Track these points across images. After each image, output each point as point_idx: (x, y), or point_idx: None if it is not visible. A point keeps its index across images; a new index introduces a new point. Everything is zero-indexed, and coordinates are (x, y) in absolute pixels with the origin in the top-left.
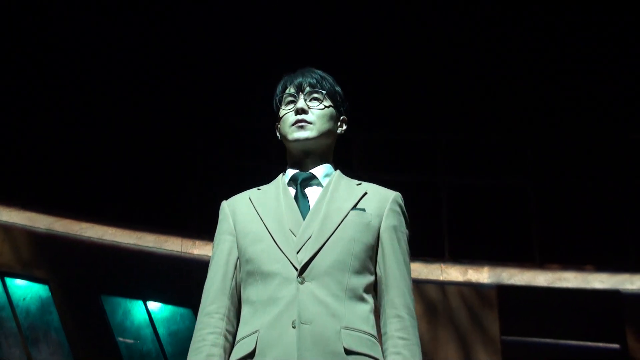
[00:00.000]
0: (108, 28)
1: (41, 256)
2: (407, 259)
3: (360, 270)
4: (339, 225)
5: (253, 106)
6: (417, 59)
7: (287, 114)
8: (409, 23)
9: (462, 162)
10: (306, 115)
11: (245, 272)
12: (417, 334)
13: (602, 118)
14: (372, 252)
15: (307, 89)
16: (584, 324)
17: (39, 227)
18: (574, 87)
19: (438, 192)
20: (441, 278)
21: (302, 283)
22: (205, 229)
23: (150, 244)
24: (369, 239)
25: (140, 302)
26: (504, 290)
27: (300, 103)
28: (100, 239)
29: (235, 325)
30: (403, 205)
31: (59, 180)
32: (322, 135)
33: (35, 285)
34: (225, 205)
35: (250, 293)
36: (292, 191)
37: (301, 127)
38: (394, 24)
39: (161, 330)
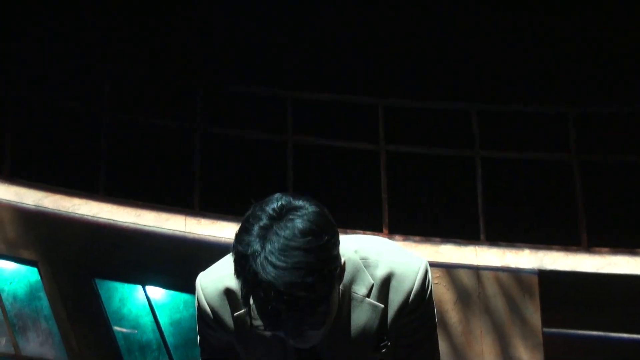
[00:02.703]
0: None
1: (29, 235)
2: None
3: None
4: None
5: (259, 72)
6: (451, 21)
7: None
8: None
9: (499, 134)
10: (303, 344)
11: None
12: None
13: None
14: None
15: (293, 326)
16: (638, 315)
17: (26, 203)
18: (623, 54)
19: (473, 167)
20: (476, 262)
21: None
22: (212, 206)
23: (151, 223)
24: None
25: (139, 287)
26: (546, 277)
27: (291, 336)
28: (95, 216)
29: None
30: (427, 287)
31: (49, 151)
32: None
33: (22, 267)
34: (209, 312)
35: None
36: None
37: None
38: None
39: (162, 319)
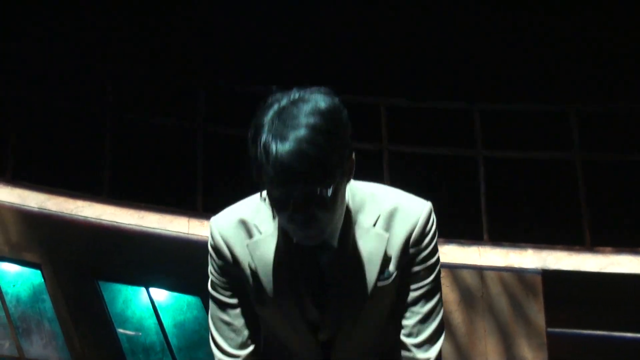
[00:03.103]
0: None
1: (32, 238)
2: (432, 301)
3: (391, 330)
4: (363, 310)
5: (263, 71)
6: (453, 19)
7: (279, 204)
8: None
9: (502, 133)
10: (310, 230)
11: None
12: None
13: None
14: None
15: (300, 186)
16: None
17: (29, 206)
18: (628, 51)
19: (475, 167)
20: (479, 262)
21: None
22: (215, 208)
23: (154, 225)
24: (395, 294)
25: (143, 289)
26: (550, 276)
27: (299, 219)
28: (98, 218)
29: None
30: (431, 225)
31: (52, 154)
32: (335, 224)
33: (26, 270)
34: (222, 242)
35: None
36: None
37: (306, 233)
38: None
39: (166, 321)
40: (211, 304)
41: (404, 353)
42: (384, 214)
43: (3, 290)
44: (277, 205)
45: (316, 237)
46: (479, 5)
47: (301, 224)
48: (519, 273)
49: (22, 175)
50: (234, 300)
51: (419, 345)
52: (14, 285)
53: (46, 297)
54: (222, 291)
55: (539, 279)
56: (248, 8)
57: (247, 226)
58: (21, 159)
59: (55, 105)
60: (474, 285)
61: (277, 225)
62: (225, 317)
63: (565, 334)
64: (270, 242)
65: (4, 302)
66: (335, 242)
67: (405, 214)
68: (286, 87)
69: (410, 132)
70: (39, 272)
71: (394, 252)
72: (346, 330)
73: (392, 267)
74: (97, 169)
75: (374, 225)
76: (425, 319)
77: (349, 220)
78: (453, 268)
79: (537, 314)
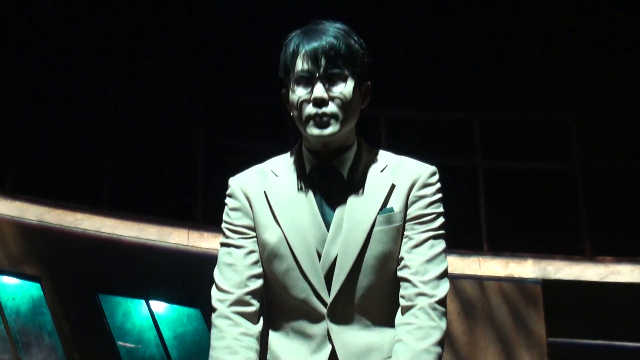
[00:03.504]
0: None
1: (32, 251)
2: (437, 247)
3: (395, 288)
4: (365, 239)
5: (263, 82)
6: (451, 29)
7: (302, 99)
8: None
9: (501, 143)
10: (327, 108)
11: (268, 281)
12: (432, 316)
13: None
14: None
15: (324, 63)
16: None
17: (29, 219)
18: (626, 60)
19: (475, 177)
20: (479, 273)
21: (333, 321)
22: (214, 220)
23: (153, 237)
24: (400, 244)
25: (143, 302)
26: (550, 286)
27: (319, 91)
28: (98, 231)
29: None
30: (435, 181)
31: (52, 166)
32: (348, 124)
33: (25, 283)
34: (239, 190)
35: (275, 304)
36: (312, 183)
37: (322, 123)
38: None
39: (166, 333)
40: (220, 254)
41: (408, 290)
42: (392, 164)
43: (2, 303)
44: (304, 81)
45: (330, 126)
46: (474, 14)
47: (320, 103)
48: (519, 283)
49: (21, 188)
50: (240, 242)
51: (426, 282)
52: (13, 299)
53: (46, 310)
54: (231, 235)
55: (539, 288)
56: (254, 18)
57: (263, 172)
58: (21, 172)
59: (54, 118)
60: (475, 296)
61: (292, 169)
62: (229, 260)
63: (565, 344)
64: (286, 182)
65: (3, 316)
66: (345, 174)
67: (411, 166)
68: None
69: (408, 143)
70: (38, 285)
71: (398, 194)
72: (349, 284)
73: (394, 205)
74: (96, 182)
75: (382, 171)
76: (431, 260)
77: (359, 161)
78: (453, 278)
79: (538, 323)
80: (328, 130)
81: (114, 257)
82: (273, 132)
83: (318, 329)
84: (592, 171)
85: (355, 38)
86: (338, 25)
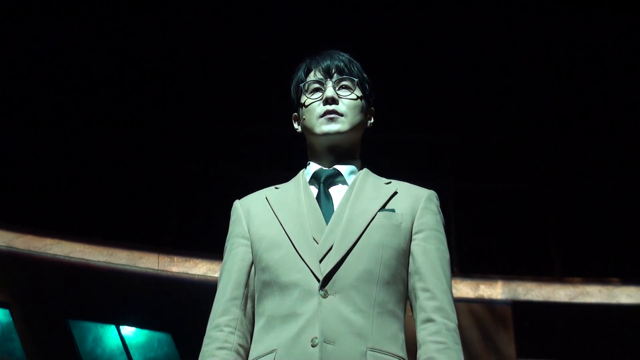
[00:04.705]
0: (82, 30)
1: (1, 277)
2: (445, 261)
3: (391, 281)
4: (364, 229)
5: (235, 108)
6: (422, 52)
7: (314, 103)
8: (416, 18)
9: (471, 165)
10: (337, 106)
11: (260, 281)
12: (456, 339)
13: (629, 116)
14: (404, 258)
15: (336, 75)
16: (610, 343)
17: None
18: (595, 84)
19: (445, 199)
20: None
21: (324, 297)
22: (185, 244)
23: (123, 262)
24: (400, 243)
25: (113, 327)
26: (520, 307)
27: (330, 91)
28: (67, 256)
29: (248, 340)
30: (439, 204)
31: (20, 192)
32: (354, 128)
33: None
34: (239, 205)
35: (266, 305)
36: (314, 190)
37: (331, 119)
38: (400, 18)
39: (136, 358)
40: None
41: (428, 302)
42: (396, 182)
43: None
44: (316, 90)
45: (338, 123)
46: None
47: (331, 101)
48: (489, 304)
49: None
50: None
51: (445, 300)
52: None
53: (15, 336)
54: (233, 239)
55: (509, 310)
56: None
57: (266, 191)
58: None
59: (20, 142)
60: None
61: (294, 182)
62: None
63: None
64: (288, 190)
65: None
66: (348, 179)
67: (413, 186)
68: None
69: (379, 164)
70: (7, 311)
71: (401, 200)
72: (345, 266)
73: (396, 208)
74: (65, 207)
75: (386, 184)
76: (447, 278)
77: (365, 176)
78: None
79: (508, 344)
80: (337, 126)
81: (83, 282)
82: (247, 157)
83: (308, 306)
84: (561, 192)
85: (362, 69)
86: (349, 55)
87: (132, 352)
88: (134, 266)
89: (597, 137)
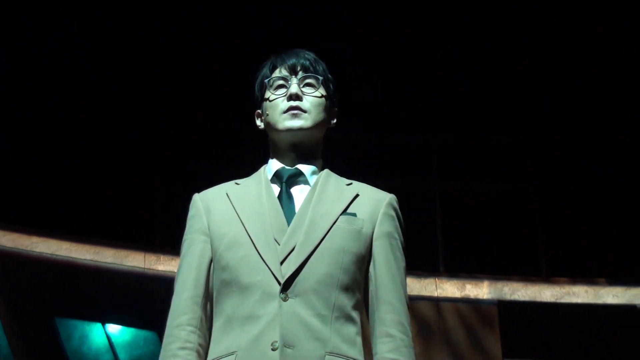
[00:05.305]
0: (82, 30)
1: None
2: (402, 270)
3: (350, 286)
4: (326, 233)
5: (223, 105)
6: (410, 52)
7: (277, 99)
8: (403, 18)
9: (457, 164)
10: (301, 102)
11: (220, 280)
12: (412, 354)
13: (617, 116)
14: (363, 263)
15: (301, 73)
16: (597, 343)
17: None
18: (581, 82)
19: (431, 198)
20: (436, 294)
21: (285, 300)
22: (171, 243)
23: (109, 260)
24: (360, 248)
25: (99, 325)
26: (506, 307)
27: (294, 88)
28: (54, 254)
29: (207, 340)
30: (398, 209)
31: (6, 189)
32: (317, 126)
33: None
34: (198, 199)
35: (224, 305)
36: (275, 189)
37: (295, 115)
38: (388, 18)
39: (122, 356)
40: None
41: (386, 315)
42: (357, 184)
43: None
44: (280, 86)
45: (302, 119)
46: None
47: (295, 97)
48: (475, 304)
49: None
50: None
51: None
52: None
53: (1, 334)
54: (192, 235)
55: (495, 309)
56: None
57: (226, 186)
58: None
59: (8, 141)
60: (431, 317)
61: (255, 178)
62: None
63: None
64: (249, 187)
65: None
66: (310, 179)
67: (374, 190)
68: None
69: (366, 164)
70: None
71: (362, 204)
72: (306, 270)
73: (357, 212)
74: (52, 205)
75: (347, 185)
76: (403, 287)
77: (327, 176)
78: (410, 300)
79: (494, 344)
80: (300, 122)
81: (70, 281)
82: (230, 155)
83: (269, 308)
84: (548, 192)
85: (327, 69)
86: (314, 55)
87: (117, 350)
88: (120, 264)
89: (584, 137)
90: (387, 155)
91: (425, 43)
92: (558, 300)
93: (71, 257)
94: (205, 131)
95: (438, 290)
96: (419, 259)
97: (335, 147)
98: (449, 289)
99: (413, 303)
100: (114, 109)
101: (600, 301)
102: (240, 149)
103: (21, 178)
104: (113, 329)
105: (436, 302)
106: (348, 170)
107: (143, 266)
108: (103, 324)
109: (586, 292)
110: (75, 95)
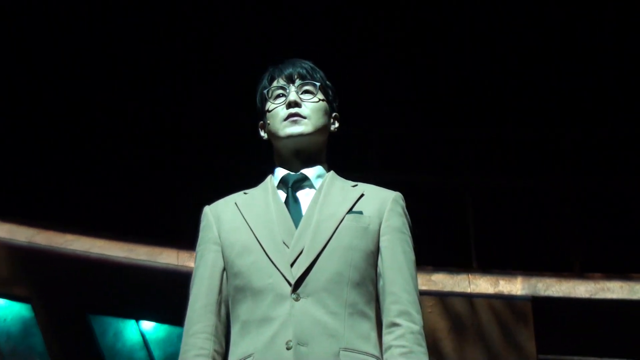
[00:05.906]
0: (82, 30)
1: (22, 272)
2: (411, 262)
3: (360, 282)
4: (333, 232)
5: (252, 105)
6: (428, 48)
7: (277, 108)
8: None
9: (488, 160)
10: (300, 109)
11: (233, 287)
12: (420, 341)
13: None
14: (373, 259)
15: (298, 81)
16: (632, 340)
17: (19, 240)
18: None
19: (462, 195)
20: (469, 290)
21: (297, 300)
22: None
23: (143, 257)
24: (368, 244)
25: (133, 322)
26: (540, 303)
27: (293, 95)
28: (87, 252)
29: (223, 345)
30: (405, 206)
31: (41, 188)
32: (317, 131)
33: (16, 304)
34: (208, 211)
35: (240, 310)
36: (282, 195)
37: (294, 121)
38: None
39: (156, 353)
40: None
41: (394, 305)
42: (362, 185)
43: None
44: (279, 96)
45: (302, 125)
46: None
47: (294, 104)
48: (508, 300)
49: (11, 210)
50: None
51: (412, 303)
52: (4, 320)
53: (36, 331)
54: (204, 245)
55: (529, 305)
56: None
57: (235, 196)
58: (10, 195)
59: (40, 139)
60: (464, 313)
61: (262, 187)
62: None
63: None
64: (257, 195)
65: None
66: (315, 182)
67: (379, 189)
68: None
69: (397, 161)
70: (29, 306)
71: (367, 202)
72: (316, 269)
73: (363, 210)
74: (86, 203)
75: (352, 186)
76: (413, 280)
77: (332, 179)
78: (442, 296)
79: (528, 340)
80: (300, 128)
81: (104, 278)
82: (263, 151)
83: (281, 310)
84: (582, 188)
85: (325, 76)
86: (311, 63)
87: (152, 347)
88: (154, 261)
89: (619, 132)
90: (416, 151)
91: (437, 42)
92: (592, 296)
93: (105, 255)
94: (238, 128)
95: (471, 286)
96: (452, 255)
97: (370, 142)
98: (482, 285)
99: (446, 299)
100: (152, 108)
101: (635, 297)
102: (272, 146)
103: (56, 177)
104: (147, 325)
105: (469, 298)
106: (380, 165)
107: (176, 263)
108: (137, 321)
109: (621, 287)
110: (117, 94)
